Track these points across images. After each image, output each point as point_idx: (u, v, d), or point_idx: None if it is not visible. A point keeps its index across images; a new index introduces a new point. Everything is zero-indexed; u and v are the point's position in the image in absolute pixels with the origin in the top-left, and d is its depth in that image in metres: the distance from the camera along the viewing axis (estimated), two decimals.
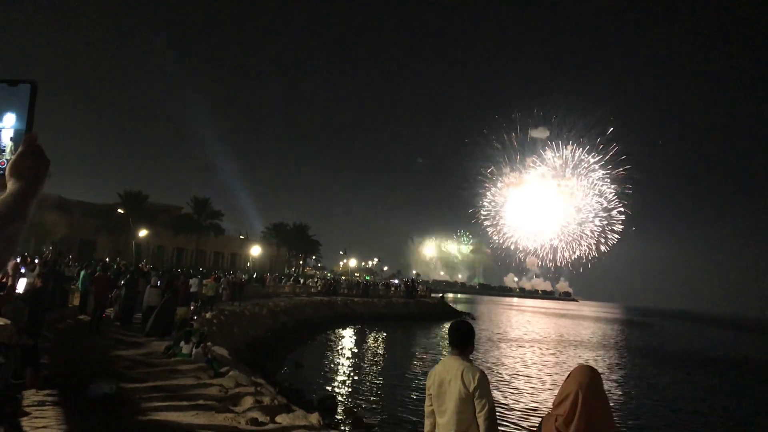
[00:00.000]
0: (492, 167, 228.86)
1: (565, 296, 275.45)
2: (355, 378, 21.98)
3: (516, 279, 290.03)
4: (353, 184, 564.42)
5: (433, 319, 54.06)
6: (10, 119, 1.21)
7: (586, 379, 2.81)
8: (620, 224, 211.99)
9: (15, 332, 8.36)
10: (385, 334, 39.79)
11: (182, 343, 13.52)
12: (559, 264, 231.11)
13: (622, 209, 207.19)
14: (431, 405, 4.22)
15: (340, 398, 17.57)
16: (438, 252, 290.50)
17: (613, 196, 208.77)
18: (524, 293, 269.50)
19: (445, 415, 4.05)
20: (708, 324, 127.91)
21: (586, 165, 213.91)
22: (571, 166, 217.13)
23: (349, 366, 24.83)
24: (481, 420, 3.89)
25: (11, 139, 1.20)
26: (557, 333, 54.47)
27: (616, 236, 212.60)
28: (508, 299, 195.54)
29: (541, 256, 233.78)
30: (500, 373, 24.39)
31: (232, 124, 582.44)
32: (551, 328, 61.03)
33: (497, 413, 4.12)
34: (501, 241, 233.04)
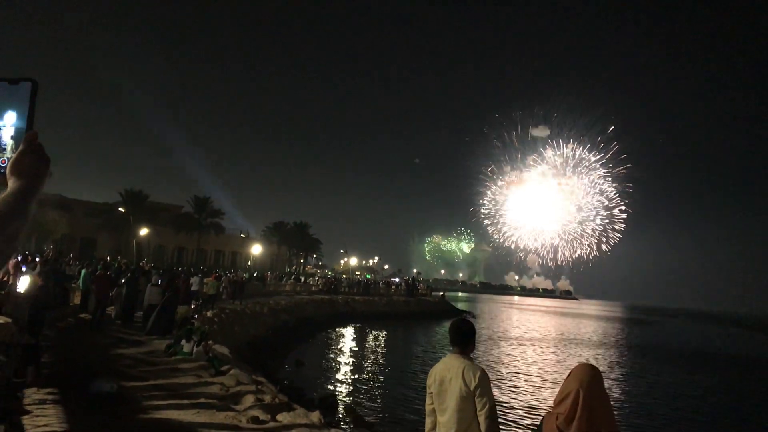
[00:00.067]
0: (492, 166, 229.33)
1: (566, 295, 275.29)
2: (356, 376, 21.99)
3: (517, 277, 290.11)
4: (354, 183, 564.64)
5: (434, 317, 54.04)
6: (11, 117, 1.20)
7: (587, 378, 2.81)
8: (621, 223, 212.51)
9: (16, 331, 8.37)
10: (385, 333, 39.79)
11: (183, 342, 13.53)
12: (560, 263, 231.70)
13: (623, 207, 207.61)
14: (432, 403, 4.22)
15: (341, 396, 17.59)
16: (439, 250, 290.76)
17: (615, 194, 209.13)
18: (525, 292, 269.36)
19: (446, 414, 4.05)
20: (709, 322, 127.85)
21: (586, 163, 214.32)
22: (571, 165, 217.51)
23: (349, 364, 24.85)
24: (482, 418, 3.89)
25: (12, 137, 1.20)
26: (558, 331, 54.47)
27: (618, 235, 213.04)
28: (508, 298, 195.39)
29: (541, 254, 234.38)
30: (501, 372, 24.40)
31: (233, 123, 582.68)
32: (552, 327, 61.03)
33: (498, 412, 4.13)
34: (502, 240, 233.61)
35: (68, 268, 24.77)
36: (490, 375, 4.16)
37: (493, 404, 3.94)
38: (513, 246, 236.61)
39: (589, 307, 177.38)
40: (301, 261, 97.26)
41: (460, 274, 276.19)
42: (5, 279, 13.26)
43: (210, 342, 14.21)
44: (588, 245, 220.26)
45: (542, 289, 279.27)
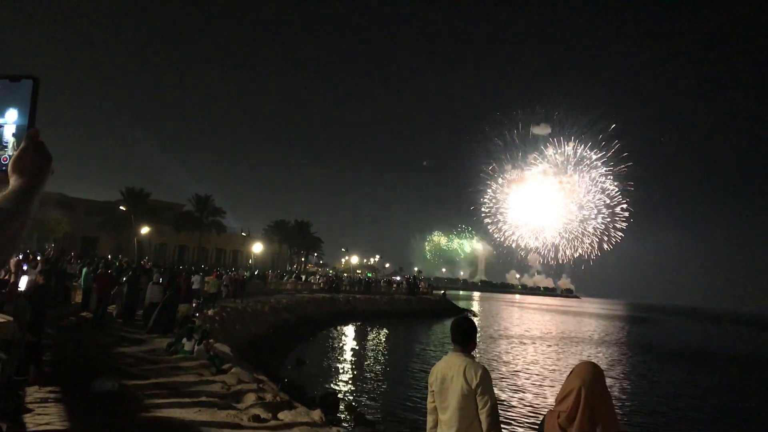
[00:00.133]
0: (494, 164, 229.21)
1: (567, 293, 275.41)
2: (357, 375, 22.01)
3: (518, 276, 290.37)
4: (354, 182, 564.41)
5: (435, 316, 54.03)
6: (12, 115, 1.20)
7: (589, 376, 2.80)
8: (623, 221, 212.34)
9: (18, 329, 8.37)
10: (386, 331, 39.81)
11: (184, 340, 13.54)
12: (561, 261, 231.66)
13: (625, 205, 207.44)
14: (433, 401, 4.22)
15: (342, 395, 17.60)
16: (439, 249, 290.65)
17: (616, 192, 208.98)
18: (526, 290, 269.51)
19: (448, 412, 4.05)
20: (710, 321, 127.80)
21: (588, 162, 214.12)
22: (572, 163, 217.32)
23: (351, 363, 24.86)
24: (483, 416, 3.89)
25: (14, 135, 1.20)
26: (559, 330, 54.48)
27: (620, 234, 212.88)
28: (509, 296, 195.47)
29: (542, 253, 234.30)
30: (502, 370, 24.41)
31: (233, 123, 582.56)
32: (553, 325, 61.04)
33: (499, 410, 4.12)
34: (502, 239, 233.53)
35: (70, 267, 24.78)
36: (491, 373, 4.16)
37: (494, 402, 3.94)
38: (514, 245, 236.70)
39: (590, 305, 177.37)
40: (302, 259, 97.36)
41: (461, 273, 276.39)
42: (7, 277, 13.26)
43: (211, 340, 14.23)
44: (589, 244, 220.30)
45: (543, 287, 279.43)
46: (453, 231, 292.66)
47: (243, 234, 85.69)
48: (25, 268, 14.25)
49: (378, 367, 24.29)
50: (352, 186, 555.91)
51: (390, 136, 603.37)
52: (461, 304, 78.50)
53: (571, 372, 2.91)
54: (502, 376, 22.77)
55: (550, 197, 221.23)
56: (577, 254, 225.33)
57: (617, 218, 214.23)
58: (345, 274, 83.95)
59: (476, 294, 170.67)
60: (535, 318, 73.48)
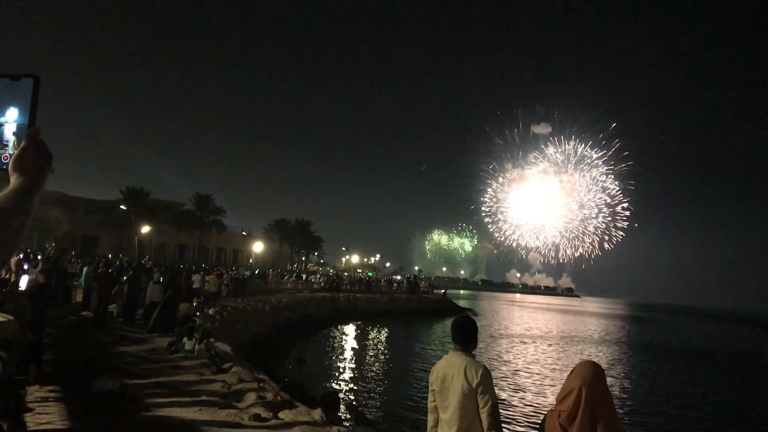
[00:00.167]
0: (494, 163, 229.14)
1: (568, 292, 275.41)
2: (358, 374, 22.02)
3: (518, 275, 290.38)
4: (355, 181, 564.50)
5: (436, 315, 54.04)
6: (13, 114, 1.20)
7: (590, 375, 2.80)
8: (624, 220, 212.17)
9: (18, 328, 8.37)
10: (387, 331, 39.83)
11: (185, 340, 13.55)
12: (561, 261, 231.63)
13: (626, 205, 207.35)
14: (434, 400, 4.22)
15: (342, 394, 17.60)
16: (440, 248, 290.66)
17: (618, 191, 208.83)
18: (527, 289, 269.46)
19: (448, 411, 4.05)
20: (712, 319, 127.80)
21: (588, 161, 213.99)
22: (573, 162, 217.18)
23: (351, 362, 24.87)
24: (484, 415, 3.89)
25: (14, 133, 1.20)
26: (559, 329, 54.50)
27: (621, 233, 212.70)
28: (510, 295, 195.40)
29: (543, 252, 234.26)
30: (502, 370, 24.42)
31: (234, 122, 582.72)
32: (553, 324, 61.06)
33: (500, 409, 4.12)
34: (503, 238, 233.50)
35: (70, 266, 24.79)
36: (491, 372, 4.16)
37: (495, 401, 3.94)
38: (515, 244, 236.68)
39: (591, 304, 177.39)
40: (303, 259, 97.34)
41: (462, 272, 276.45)
42: (7, 276, 13.27)
43: (212, 340, 14.23)
44: (590, 243, 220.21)
45: (544, 286, 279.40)
46: (453, 230, 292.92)
47: (243, 233, 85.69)
48: (25, 267, 14.25)
49: (379, 367, 24.30)
50: (352, 185, 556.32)
51: (390, 135, 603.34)
52: (462, 303, 78.52)
53: (571, 371, 2.91)
54: (502, 375, 22.77)
55: (551, 196, 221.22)
56: (578, 253, 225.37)
57: (618, 217, 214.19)
58: (345, 274, 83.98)
59: (477, 293, 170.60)
60: (536, 317, 73.51)
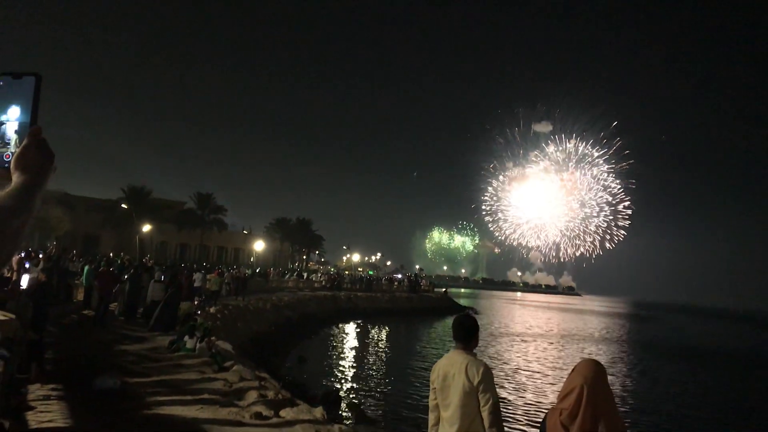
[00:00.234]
0: (494, 162, 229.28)
1: (569, 290, 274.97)
2: (359, 372, 22.03)
3: (519, 273, 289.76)
4: (356, 180, 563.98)
5: (437, 313, 54.04)
6: (15, 112, 1.20)
7: (591, 373, 2.80)
8: (626, 219, 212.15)
9: (20, 327, 8.39)
10: (388, 329, 39.86)
11: (186, 338, 13.56)
12: (562, 260, 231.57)
13: (628, 203, 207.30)
14: (435, 399, 4.21)
15: (343, 392, 17.62)
16: (440, 247, 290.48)
17: (620, 189, 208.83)
18: (527, 288, 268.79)
19: (449, 409, 4.05)
20: (713, 318, 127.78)
21: (589, 159, 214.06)
22: (574, 160, 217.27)
23: (352, 360, 24.89)
24: (485, 414, 3.89)
25: (16, 132, 1.19)
26: (560, 327, 54.50)
27: (622, 232, 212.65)
28: (511, 294, 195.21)
29: (544, 251, 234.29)
30: (503, 368, 24.42)
31: (235, 121, 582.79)
32: (554, 323, 61.06)
33: (501, 407, 4.12)
34: (503, 237, 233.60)
35: (71, 265, 24.79)
36: (492, 371, 4.16)
37: (496, 400, 3.94)
38: (515, 243, 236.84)
39: (592, 303, 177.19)
40: (304, 257, 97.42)
41: (463, 271, 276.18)
42: (9, 275, 13.30)
43: (213, 338, 14.24)
44: (591, 242, 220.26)
45: (545, 285, 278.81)
46: (453, 228, 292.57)
47: (244, 232, 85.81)
48: (27, 266, 14.29)
49: (380, 365, 24.31)
50: (353, 184, 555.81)
51: (391, 134, 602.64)
52: (462, 301, 78.51)
53: (573, 369, 2.91)
54: (503, 373, 22.78)
55: (552, 195, 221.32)
56: (579, 253, 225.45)
57: (619, 216, 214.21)
58: (346, 272, 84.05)
59: (478, 291, 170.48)
60: (537, 315, 73.50)
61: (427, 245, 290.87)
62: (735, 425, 18.61)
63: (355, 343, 31.47)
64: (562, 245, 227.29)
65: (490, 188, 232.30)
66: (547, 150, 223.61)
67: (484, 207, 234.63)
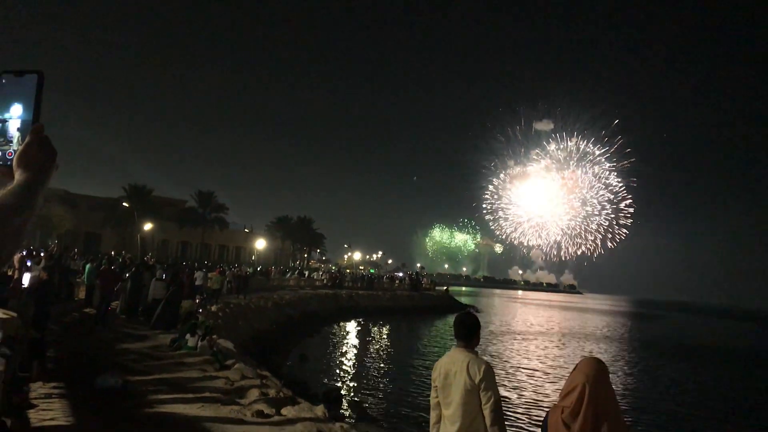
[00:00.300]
0: (496, 160, 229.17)
1: (570, 289, 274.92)
2: (360, 371, 22.04)
3: (520, 272, 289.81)
4: (357, 178, 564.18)
5: (438, 312, 54.06)
6: (17, 110, 1.20)
7: (593, 372, 2.80)
8: (628, 217, 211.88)
9: (21, 325, 8.40)
10: (389, 327, 39.88)
11: (188, 336, 13.57)
12: (563, 258, 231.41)
13: (630, 201, 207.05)
14: (437, 397, 4.21)
15: (345, 390, 17.63)
16: (440, 245, 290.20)
17: (621, 188, 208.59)
18: (529, 286, 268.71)
19: (451, 407, 4.05)
20: (715, 316, 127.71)
21: (591, 157, 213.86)
22: (575, 159, 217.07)
23: (353, 359, 24.90)
24: (487, 412, 3.89)
25: (18, 129, 1.19)
26: (562, 326, 54.48)
27: (624, 231, 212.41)
28: (512, 292, 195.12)
29: (545, 250, 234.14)
30: (505, 366, 24.42)
31: (237, 120, 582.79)
32: (555, 321, 61.04)
33: (503, 405, 4.12)
34: (504, 236, 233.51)
35: (73, 263, 24.81)
36: (494, 369, 4.16)
37: (498, 398, 3.94)
38: (516, 242, 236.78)
39: (593, 301, 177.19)
40: (305, 256, 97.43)
41: (464, 269, 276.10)
42: (10, 274, 13.30)
43: (214, 336, 14.26)
44: (593, 241, 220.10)
45: (546, 283, 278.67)
46: (454, 226, 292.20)
47: (246, 230, 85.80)
48: (28, 264, 14.29)
49: (381, 363, 24.32)
50: (354, 182, 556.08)
51: (392, 133, 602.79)
52: (464, 300, 78.54)
53: (575, 367, 2.91)
54: (504, 372, 22.79)
55: (553, 193, 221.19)
56: (580, 251, 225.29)
57: (621, 214, 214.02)
58: (348, 270, 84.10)
59: (479, 290, 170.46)
60: (538, 314, 73.48)
61: (428, 243, 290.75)
62: (736, 424, 18.59)
63: (357, 342, 31.49)
64: (563, 244, 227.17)
65: (491, 187, 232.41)
66: (548, 148, 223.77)
67: (485, 205, 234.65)
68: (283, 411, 8.83)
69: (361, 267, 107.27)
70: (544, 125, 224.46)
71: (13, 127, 1.20)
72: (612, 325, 63.10)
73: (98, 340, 14.08)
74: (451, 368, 4.10)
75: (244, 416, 8.16)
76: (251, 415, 8.24)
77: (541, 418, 3.05)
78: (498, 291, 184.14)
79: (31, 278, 12.68)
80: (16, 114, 1.20)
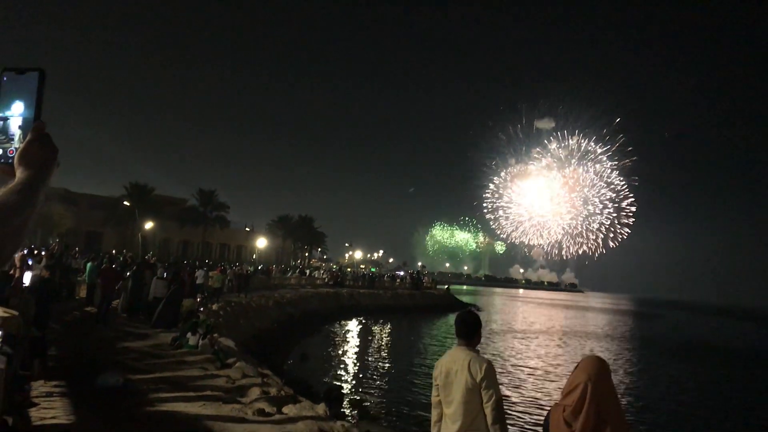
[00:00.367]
0: (496, 159, 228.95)
1: (571, 287, 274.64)
2: (361, 369, 22.05)
3: (522, 270, 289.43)
4: (358, 177, 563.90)
5: (439, 310, 54.05)
6: (19, 107, 1.20)
7: (595, 370, 2.80)
8: (630, 216, 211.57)
9: (22, 324, 8.40)
10: (390, 326, 39.88)
11: (189, 335, 13.58)
12: (565, 257, 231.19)
13: (632, 199, 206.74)
14: (438, 395, 4.21)
15: (346, 389, 17.64)
16: (441, 243, 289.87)
17: (623, 186, 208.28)
18: (530, 284, 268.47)
19: (452, 406, 4.05)
20: (715, 315, 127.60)
21: (592, 155, 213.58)
22: (576, 157, 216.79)
23: (355, 357, 24.91)
24: (488, 410, 3.88)
25: (20, 127, 1.19)
26: (563, 324, 54.45)
27: (626, 230, 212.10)
28: (513, 290, 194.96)
29: (546, 249, 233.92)
30: (506, 365, 24.42)
31: (238, 118, 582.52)
32: (557, 320, 61.02)
33: (504, 404, 4.12)
34: (505, 235, 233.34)
35: (74, 262, 24.84)
36: (495, 368, 4.15)
37: (499, 396, 3.94)
38: (517, 241, 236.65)
39: (595, 299, 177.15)
40: (306, 254, 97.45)
41: (465, 268, 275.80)
42: (12, 272, 13.30)
43: (215, 335, 14.26)
44: (594, 240, 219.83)
45: (547, 282, 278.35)
46: (455, 224, 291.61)
47: (247, 229, 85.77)
48: (29, 263, 14.29)
49: (382, 362, 24.33)
50: (355, 181, 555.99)
51: (393, 132, 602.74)
52: (465, 298, 78.56)
53: (577, 366, 2.91)
54: (505, 370, 22.78)
55: (554, 192, 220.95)
56: (582, 251, 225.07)
57: (623, 213, 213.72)
58: (349, 269, 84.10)
59: (480, 288, 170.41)
60: (539, 312, 73.47)
61: (428, 242, 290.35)
62: (736, 422, 18.59)
63: (358, 340, 31.50)
64: (564, 243, 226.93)
65: (492, 185, 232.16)
66: (550, 147, 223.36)
67: (485, 204, 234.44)
68: (285, 409, 8.83)
69: (362, 266, 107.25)
70: (545, 123, 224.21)
71: (15, 124, 1.20)
72: (613, 323, 63.09)
73: (99, 338, 14.09)
74: (452, 367, 4.09)
75: (245, 415, 8.16)
76: (252, 413, 8.24)
77: (543, 417, 3.05)
78: (499, 290, 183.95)
79: (33, 277, 12.70)
80: (17, 112, 1.20)
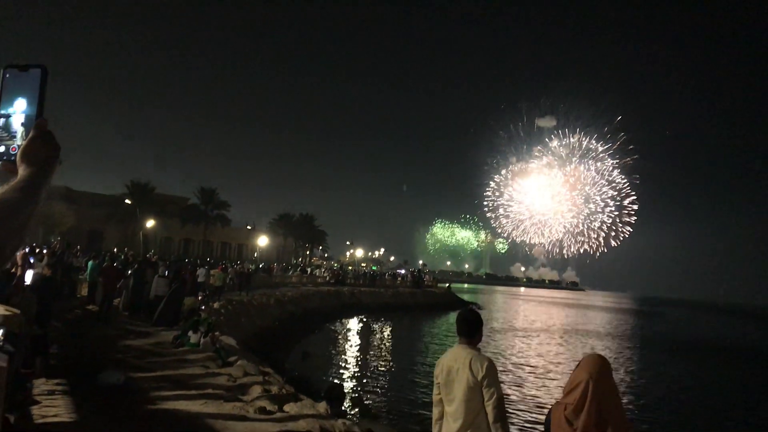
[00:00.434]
0: (497, 157, 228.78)
1: (572, 286, 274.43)
2: (363, 367, 22.06)
3: (523, 269, 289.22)
4: (359, 175, 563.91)
5: (440, 309, 54.06)
6: (21, 104, 1.20)
7: (596, 368, 2.80)
8: (631, 215, 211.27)
9: (24, 322, 8.40)
10: (391, 324, 39.87)
11: (190, 333, 13.59)
12: (566, 256, 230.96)
13: (634, 197, 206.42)
14: (439, 393, 4.21)
15: (347, 387, 17.64)
16: (442, 242, 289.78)
17: (625, 184, 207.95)
18: (531, 283, 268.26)
19: (453, 404, 4.05)
20: (717, 313, 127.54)
21: (593, 154, 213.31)
22: (578, 155, 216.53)
23: (356, 355, 24.92)
24: (489, 408, 3.89)
25: (22, 124, 1.19)
26: (564, 322, 54.45)
27: (628, 229, 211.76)
28: (515, 289, 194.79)
29: (547, 247, 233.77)
30: (507, 363, 24.40)
31: (239, 117, 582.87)
32: (558, 318, 61.01)
33: (505, 402, 4.12)
34: (506, 233, 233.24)
35: (75, 260, 24.85)
36: (496, 366, 4.15)
37: (500, 394, 3.94)
38: (518, 240, 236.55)
39: (596, 298, 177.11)
40: (307, 253, 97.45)
41: (466, 266, 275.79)
42: (13, 270, 13.31)
43: (217, 333, 14.28)
44: (595, 238, 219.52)
45: (548, 280, 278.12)
46: (455, 222, 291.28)
47: (248, 227, 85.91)
48: (31, 261, 14.30)
49: (383, 360, 24.33)
50: (357, 179, 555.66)
51: (395, 130, 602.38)
52: (466, 297, 78.52)
53: (578, 364, 2.91)
54: (506, 369, 22.77)
55: (555, 190, 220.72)
56: (583, 250, 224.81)
57: (625, 212, 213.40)
58: (350, 267, 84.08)
59: (481, 287, 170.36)
60: (540, 311, 73.47)
61: (429, 240, 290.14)
62: (737, 421, 18.58)
63: (359, 339, 31.52)
64: (565, 241, 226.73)
65: (493, 183, 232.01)
66: (551, 145, 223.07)
67: (486, 202, 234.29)
68: (286, 408, 8.84)
69: (363, 264, 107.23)
70: (546, 121, 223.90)
71: (17, 121, 1.20)
72: (614, 322, 63.10)
73: (101, 337, 14.10)
74: (453, 365, 4.09)
75: (246, 413, 8.17)
76: (254, 411, 8.25)
77: (544, 415, 3.05)
78: (500, 288, 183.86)
79: (34, 275, 12.69)
80: (20, 109, 1.20)
